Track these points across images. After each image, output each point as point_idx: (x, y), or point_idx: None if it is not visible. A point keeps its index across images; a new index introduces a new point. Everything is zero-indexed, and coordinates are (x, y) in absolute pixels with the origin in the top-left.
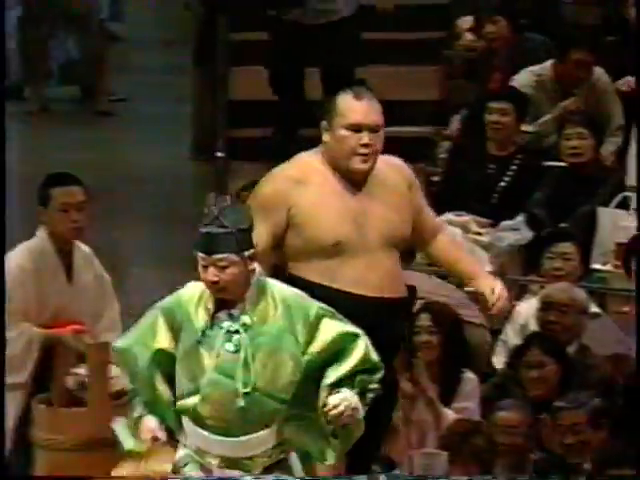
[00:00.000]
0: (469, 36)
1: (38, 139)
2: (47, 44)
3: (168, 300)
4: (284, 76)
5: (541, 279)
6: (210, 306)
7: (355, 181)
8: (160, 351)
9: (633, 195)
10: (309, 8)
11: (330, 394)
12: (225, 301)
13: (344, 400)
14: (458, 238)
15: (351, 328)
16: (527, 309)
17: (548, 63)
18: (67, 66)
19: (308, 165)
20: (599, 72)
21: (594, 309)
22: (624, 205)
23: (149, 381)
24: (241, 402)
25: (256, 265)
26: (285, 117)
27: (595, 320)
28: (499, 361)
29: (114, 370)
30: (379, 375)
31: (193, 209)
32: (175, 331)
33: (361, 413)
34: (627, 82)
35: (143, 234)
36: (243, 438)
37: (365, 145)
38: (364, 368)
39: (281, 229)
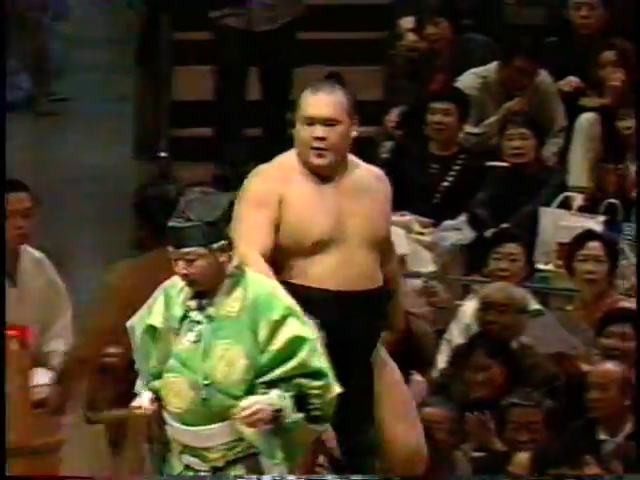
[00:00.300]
0: (411, 36)
1: None
2: None
3: (170, 280)
4: (226, 77)
5: (484, 279)
6: (185, 295)
7: (326, 179)
8: (151, 327)
9: (575, 195)
10: (252, 16)
11: (259, 393)
12: (201, 291)
13: (256, 403)
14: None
15: (304, 332)
16: (472, 309)
17: (493, 65)
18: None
19: (286, 165)
20: (543, 74)
21: (536, 307)
22: (566, 205)
23: (146, 356)
24: (199, 393)
25: (232, 257)
26: (227, 118)
27: (538, 319)
28: (442, 360)
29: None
30: (321, 382)
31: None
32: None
33: (291, 417)
34: (569, 82)
35: (87, 234)
36: (199, 428)
37: (318, 138)
38: (303, 372)
39: (276, 224)
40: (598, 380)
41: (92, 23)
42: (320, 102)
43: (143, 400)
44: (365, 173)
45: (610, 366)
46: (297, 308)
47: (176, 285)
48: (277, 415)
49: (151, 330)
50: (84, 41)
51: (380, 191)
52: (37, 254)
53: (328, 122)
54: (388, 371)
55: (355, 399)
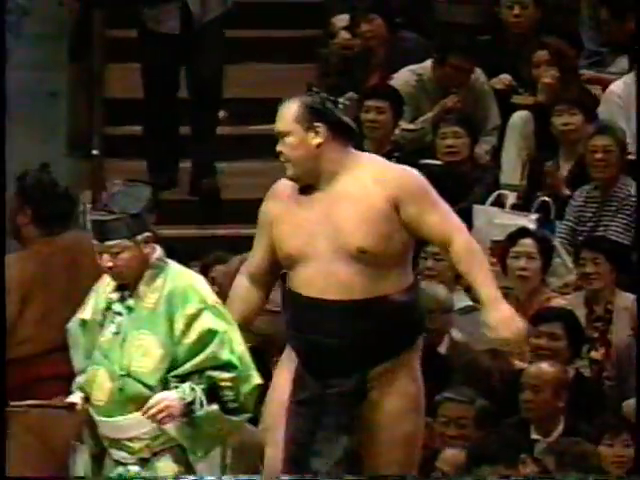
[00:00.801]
0: (345, 34)
1: None
2: None
3: (103, 277)
4: (153, 76)
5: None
6: (110, 287)
7: (309, 190)
8: (82, 321)
9: (508, 193)
10: (171, 18)
11: (172, 387)
12: (123, 283)
13: (163, 400)
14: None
15: (215, 325)
16: None
17: (428, 63)
18: None
19: (282, 180)
20: (477, 72)
21: (467, 303)
22: (499, 203)
23: (76, 351)
24: (116, 384)
25: (155, 247)
26: (156, 116)
27: (470, 314)
28: None
29: None
30: (232, 374)
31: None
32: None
33: (204, 409)
34: (502, 80)
35: None
36: (118, 419)
37: (279, 152)
38: (214, 365)
39: (272, 247)
40: (531, 381)
41: (24, 19)
42: (278, 117)
43: (75, 398)
44: (358, 178)
45: (544, 367)
46: (214, 301)
47: (105, 279)
48: (189, 408)
49: (82, 324)
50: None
51: (377, 197)
52: None
53: (281, 135)
54: (393, 399)
55: (330, 405)
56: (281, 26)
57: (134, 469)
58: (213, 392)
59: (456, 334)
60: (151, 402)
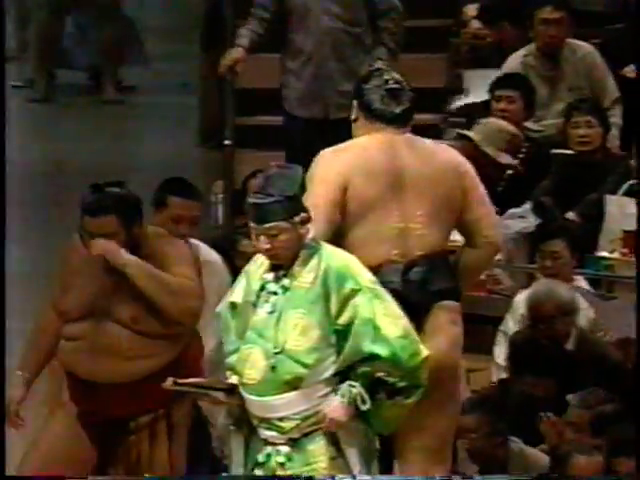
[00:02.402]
0: (476, 24)
1: (42, 127)
2: (61, 28)
3: (252, 260)
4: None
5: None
6: (264, 268)
7: None
8: (232, 304)
9: None
10: None
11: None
12: (278, 264)
13: (327, 415)
14: None
15: (363, 311)
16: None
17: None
18: (77, 52)
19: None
20: (586, 46)
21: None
22: (631, 193)
23: (227, 333)
24: (271, 362)
25: (309, 228)
26: None
27: (609, 302)
28: (500, 353)
29: None
30: (383, 363)
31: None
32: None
33: (367, 403)
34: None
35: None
36: (271, 398)
37: None
38: (359, 358)
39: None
40: None
41: (155, 11)
42: None
43: (234, 379)
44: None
45: None
46: (368, 280)
47: (256, 261)
48: (354, 405)
49: (232, 307)
50: (148, 29)
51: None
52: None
53: None
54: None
55: None
56: (412, 16)
57: (284, 449)
58: (377, 380)
59: (583, 323)
60: (319, 417)
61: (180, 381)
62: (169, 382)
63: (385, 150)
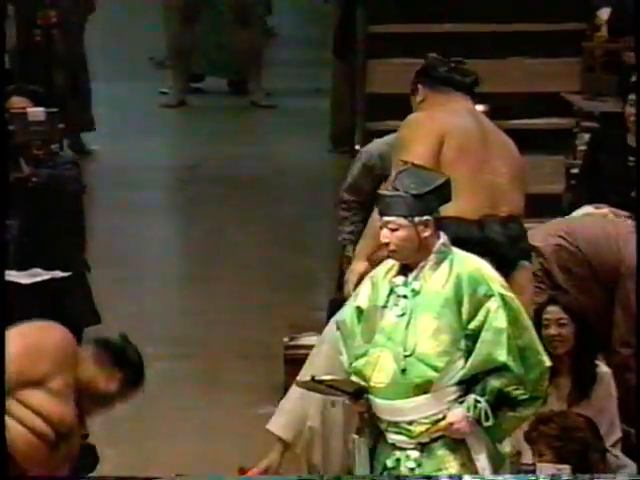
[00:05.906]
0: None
1: (177, 131)
2: (191, 36)
3: (381, 264)
4: None
5: None
6: (392, 273)
7: None
8: (357, 309)
9: None
10: None
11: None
12: (407, 268)
13: (451, 424)
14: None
15: (496, 319)
16: None
17: None
18: (216, 59)
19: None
20: None
21: None
22: None
23: (351, 338)
24: (401, 365)
25: (440, 234)
26: None
27: None
28: None
29: None
30: (511, 377)
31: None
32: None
33: (490, 420)
34: None
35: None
36: (400, 402)
37: None
38: (490, 368)
39: None
40: None
41: (292, 19)
42: None
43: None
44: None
45: None
46: (500, 285)
47: (382, 266)
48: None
49: (357, 312)
50: (285, 37)
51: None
52: None
53: None
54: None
55: None
56: (546, 20)
57: (413, 454)
58: (501, 394)
59: None
60: (441, 425)
61: (317, 378)
62: (307, 377)
63: (470, 112)
